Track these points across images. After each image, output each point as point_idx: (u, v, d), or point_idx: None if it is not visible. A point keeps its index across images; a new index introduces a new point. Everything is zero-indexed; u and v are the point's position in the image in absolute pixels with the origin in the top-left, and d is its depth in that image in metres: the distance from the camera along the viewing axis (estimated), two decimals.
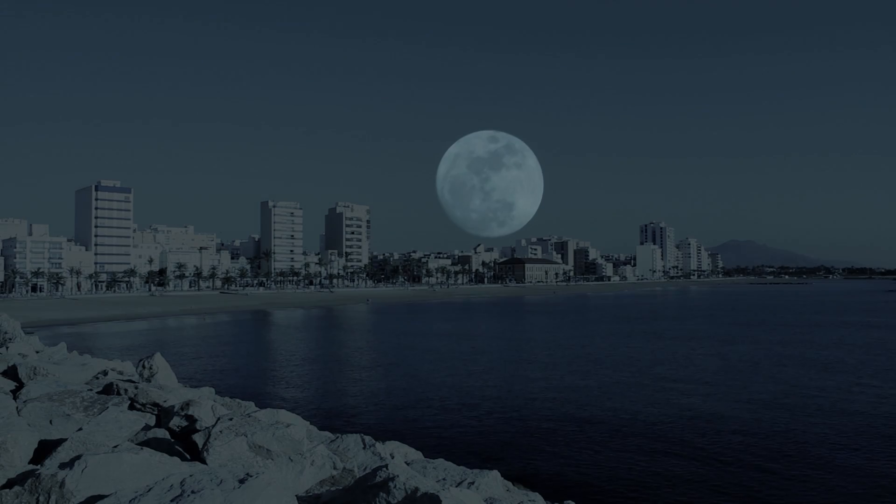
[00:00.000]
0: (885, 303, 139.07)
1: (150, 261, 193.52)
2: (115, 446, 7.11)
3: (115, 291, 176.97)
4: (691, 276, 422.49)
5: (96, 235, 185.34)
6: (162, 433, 8.11)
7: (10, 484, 5.90)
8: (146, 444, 7.51)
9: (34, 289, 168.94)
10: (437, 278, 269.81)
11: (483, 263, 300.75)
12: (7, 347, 14.58)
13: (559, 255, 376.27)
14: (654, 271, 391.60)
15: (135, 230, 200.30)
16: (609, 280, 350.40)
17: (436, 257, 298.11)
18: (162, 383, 11.58)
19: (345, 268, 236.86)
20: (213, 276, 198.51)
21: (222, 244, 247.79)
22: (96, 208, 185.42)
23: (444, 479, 7.93)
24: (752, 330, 73.36)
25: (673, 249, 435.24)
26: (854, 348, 54.43)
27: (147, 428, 8.50)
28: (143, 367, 12.50)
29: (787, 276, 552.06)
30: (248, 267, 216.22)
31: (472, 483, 7.83)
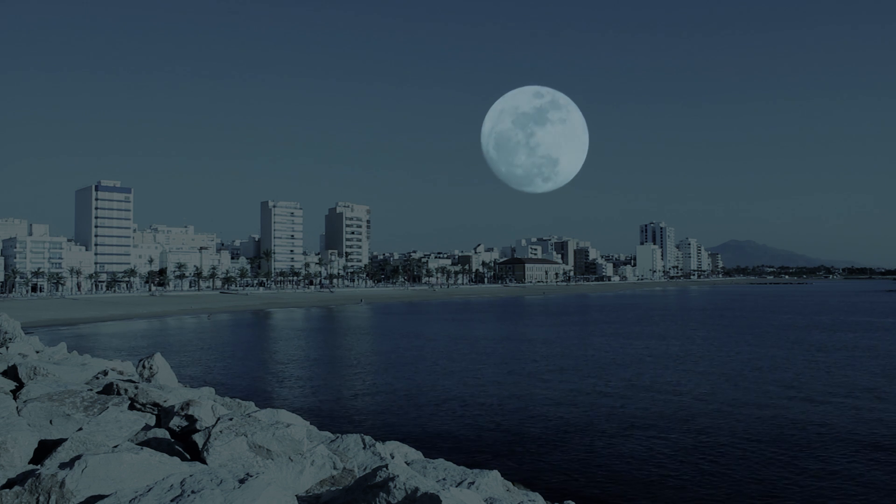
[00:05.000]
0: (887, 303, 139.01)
1: (150, 261, 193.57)
2: (115, 446, 7.11)
3: (115, 291, 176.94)
4: (691, 276, 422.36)
5: (96, 235, 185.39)
6: (162, 433, 8.11)
7: (10, 484, 5.90)
8: (146, 444, 7.51)
9: (34, 289, 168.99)
10: (437, 278, 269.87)
11: (483, 263, 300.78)
12: (7, 347, 14.58)
13: (559, 256, 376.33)
14: (655, 271, 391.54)
15: (135, 230, 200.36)
16: (609, 280, 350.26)
17: (436, 257, 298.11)
18: (162, 383, 11.58)
19: (345, 268, 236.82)
20: (213, 276, 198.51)
21: (222, 244, 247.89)
22: (96, 208, 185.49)
23: (444, 479, 7.93)
24: (753, 331, 73.31)
25: (673, 249, 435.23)
26: (861, 350, 54.42)
27: (147, 428, 8.50)
28: (143, 367, 12.50)
29: (787, 276, 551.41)
30: (248, 267, 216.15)
31: (472, 483, 7.83)
